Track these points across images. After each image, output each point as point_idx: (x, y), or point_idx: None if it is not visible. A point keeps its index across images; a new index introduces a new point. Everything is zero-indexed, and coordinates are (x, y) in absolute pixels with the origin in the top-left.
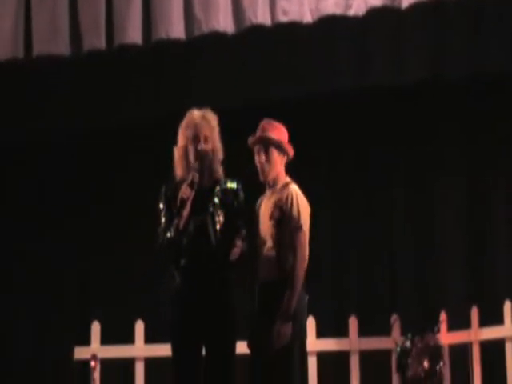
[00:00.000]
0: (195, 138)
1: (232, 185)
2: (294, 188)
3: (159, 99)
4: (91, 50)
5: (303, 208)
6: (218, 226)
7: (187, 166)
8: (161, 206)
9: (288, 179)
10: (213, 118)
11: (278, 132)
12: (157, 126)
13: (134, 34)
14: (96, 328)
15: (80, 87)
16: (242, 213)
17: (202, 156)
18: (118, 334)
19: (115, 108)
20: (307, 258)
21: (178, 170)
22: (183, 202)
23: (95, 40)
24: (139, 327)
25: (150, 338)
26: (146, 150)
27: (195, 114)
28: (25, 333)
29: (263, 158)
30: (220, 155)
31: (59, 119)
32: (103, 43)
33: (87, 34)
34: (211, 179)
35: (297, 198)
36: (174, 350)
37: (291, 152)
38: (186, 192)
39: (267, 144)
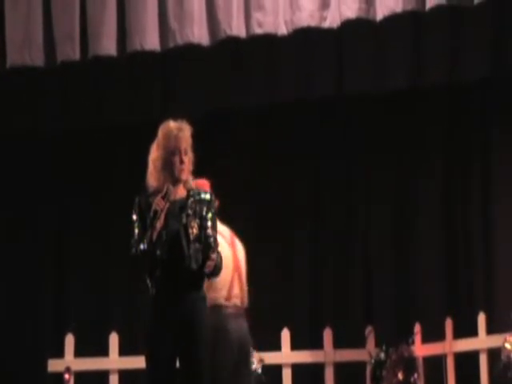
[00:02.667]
0: (175, 151)
1: (205, 196)
2: None
3: (133, 110)
4: (65, 61)
5: None
6: (191, 238)
7: (163, 178)
8: (134, 217)
9: None
10: (188, 130)
11: None
12: (131, 137)
13: (108, 45)
14: (70, 340)
15: (53, 97)
16: (215, 224)
17: (181, 168)
18: (92, 346)
19: (90, 118)
20: None
21: (153, 181)
22: (157, 213)
23: (69, 51)
24: (113, 339)
25: (124, 351)
26: (117, 162)
27: (172, 125)
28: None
29: None
30: (191, 166)
31: (32, 129)
32: (77, 54)
33: (61, 45)
34: (184, 190)
35: None
36: (147, 362)
37: None
38: (160, 204)
39: None
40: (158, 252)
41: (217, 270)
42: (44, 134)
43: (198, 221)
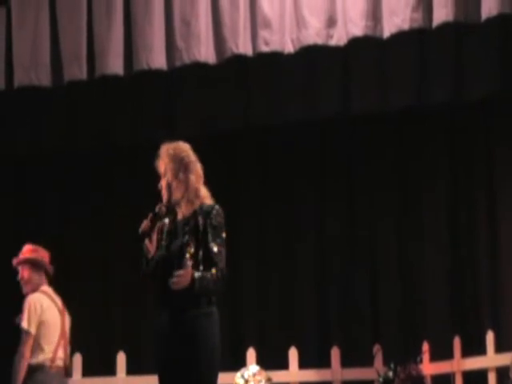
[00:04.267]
0: (161, 173)
1: (207, 209)
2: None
3: (141, 129)
4: (72, 81)
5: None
6: (188, 255)
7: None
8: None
9: None
10: (168, 150)
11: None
12: (137, 156)
13: (115, 65)
14: (78, 360)
15: (61, 117)
16: (218, 237)
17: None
18: (99, 365)
19: (96, 137)
20: None
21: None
22: (144, 235)
23: (76, 71)
24: (121, 359)
25: (131, 370)
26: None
27: (161, 147)
28: (5, 364)
29: None
30: (194, 185)
31: (39, 149)
32: (84, 74)
33: (68, 65)
34: (191, 208)
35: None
36: (158, 381)
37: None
38: (144, 226)
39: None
40: (155, 271)
41: (205, 285)
42: (49, 153)
43: (196, 236)
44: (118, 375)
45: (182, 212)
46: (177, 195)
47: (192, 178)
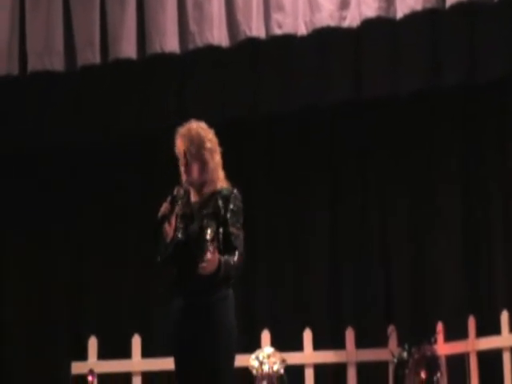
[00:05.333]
0: (181, 153)
1: (226, 193)
2: None
3: (153, 112)
4: (86, 65)
5: None
6: (208, 237)
7: (183, 180)
8: (159, 216)
9: None
10: (198, 129)
11: None
12: (150, 140)
13: (128, 49)
14: (93, 343)
15: (75, 102)
16: (237, 221)
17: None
18: (115, 348)
19: (110, 122)
20: None
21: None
22: (164, 218)
23: (90, 55)
24: (136, 342)
25: (147, 353)
26: (139, 164)
27: (184, 126)
28: (21, 348)
29: None
30: (216, 167)
31: (55, 134)
32: (98, 58)
33: (82, 50)
34: (210, 191)
35: None
36: (174, 365)
37: None
38: (163, 209)
39: None
40: (173, 254)
41: (228, 270)
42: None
43: (215, 220)
44: (134, 358)
45: (199, 194)
46: (198, 177)
47: (214, 160)
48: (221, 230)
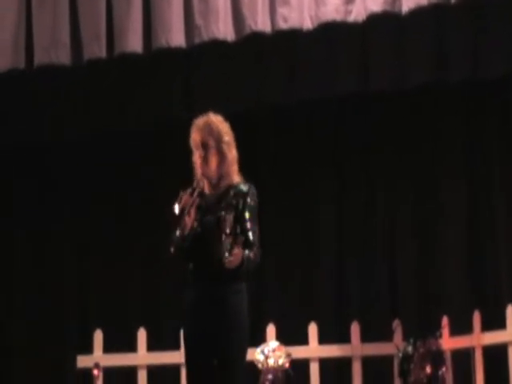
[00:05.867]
0: (197, 145)
1: (243, 188)
2: None
3: (159, 106)
4: (92, 59)
5: None
6: (227, 230)
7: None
8: (176, 210)
9: None
10: (215, 122)
11: None
12: (156, 134)
13: (134, 43)
14: (98, 336)
15: (81, 96)
16: (254, 217)
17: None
18: (120, 342)
19: (116, 116)
20: None
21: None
22: (183, 211)
23: (96, 49)
24: (142, 335)
25: (152, 346)
26: (146, 158)
27: (200, 118)
28: (26, 341)
29: None
30: (232, 161)
31: (61, 128)
32: (104, 52)
33: (88, 43)
34: (226, 184)
35: None
36: (185, 361)
37: None
38: (184, 201)
39: None
40: (190, 246)
41: (249, 265)
42: (69, 133)
43: (233, 214)
44: (139, 351)
45: (214, 187)
46: (215, 170)
47: (232, 154)
48: (238, 224)
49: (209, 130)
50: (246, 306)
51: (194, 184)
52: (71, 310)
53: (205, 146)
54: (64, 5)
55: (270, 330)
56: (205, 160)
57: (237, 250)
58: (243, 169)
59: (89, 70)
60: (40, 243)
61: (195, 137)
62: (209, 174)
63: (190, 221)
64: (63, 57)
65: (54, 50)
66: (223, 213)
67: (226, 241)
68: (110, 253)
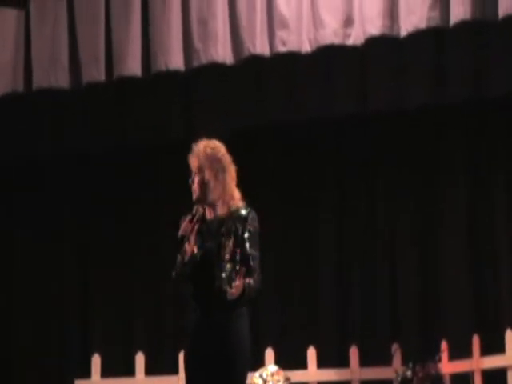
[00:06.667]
0: (192, 170)
1: (243, 212)
2: None
3: (158, 129)
4: (91, 82)
5: None
6: (227, 257)
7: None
8: (180, 235)
9: None
10: (208, 146)
11: None
12: (156, 157)
13: (133, 66)
14: (96, 361)
15: (80, 118)
16: (254, 242)
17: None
18: (118, 366)
19: (115, 138)
20: None
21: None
22: (183, 238)
23: (94, 72)
24: (140, 359)
25: (150, 371)
26: (146, 179)
27: (195, 144)
28: (25, 365)
29: None
30: (231, 186)
31: (61, 149)
32: (103, 75)
33: (87, 67)
34: (226, 209)
35: None
36: (186, 380)
37: None
38: (184, 228)
39: None
40: (190, 272)
41: (250, 293)
42: (69, 154)
43: (233, 240)
44: (137, 376)
45: (215, 212)
46: (214, 195)
47: (229, 179)
48: (238, 250)
49: (203, 155)
50: (248, 330)
51: (194, 210)
52: (70, 334)
53: (199, 171)
54: (63, 28)
55: (269, 353)
56: (200, 185)
57: (238, 282)
58: (244, 184)
59: (87, 93)
60: (43, 266)
61: (191, 162)
62: (205, 199)
63: (190, 247)
64: (62, 80)
65: (53, 73)
66: (223, 239)
67: (226, 267)
68: (111, 277)
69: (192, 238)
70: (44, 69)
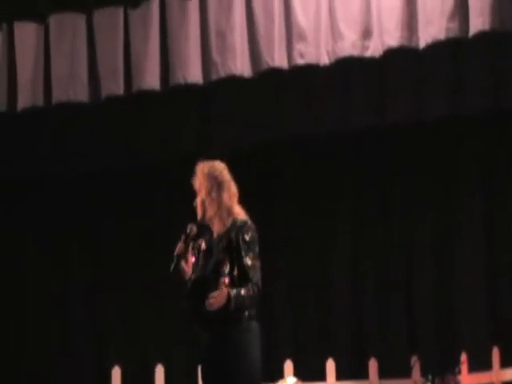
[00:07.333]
0: (196, 190)
1: (240, 224)
2: None
3: (177, 143)
4: (109, 96)
5: None
6: (226, 271)
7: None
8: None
9: None
10: (205, 168)
11: None
12: (174, 170)
13: (151, 80)
14: (117, 373)
15: (99, 132)
16: (252, 251)
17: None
18: (138, 378)
19: (134, 152)
20: None
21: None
22: (179, 257)
23: (113, 86)
24: (159, 372)
25: (170, 383)
26: (159, 194)
27: (197, 165)
28: (46, 380)
29: None
30: (227, 203)
31: (78, 164)
32: (121, 89)
33: (105, 81)
34: (224, 226)
35: None
36: None
37: None
38: (178, 248)
39: None
40: (191, 293)
41: (240, 302)
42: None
43: (230, 253)
44: None
45: (216, 230)
46: (210, 213)
47: (225, 196)
48: (236, 262)
49: (200, 175)
50: (256, 344)
51: (188, 229)
52: (90, 347)
53: (199, 191)
54: (82, 42)
55: (288, 365)
56: (202, 204)
57: (216, 293)
58: (262, 196)
59: (106, 107)
60: (56, 278)
61: (193, 182)
62: (208, 217)
63: (188, 267)
64: (81, 94)
65: (72, 87)
66: (221, 255)
67: (223, 283)
68: (128, 290)
69: (189, 258)
70: (63, 83)
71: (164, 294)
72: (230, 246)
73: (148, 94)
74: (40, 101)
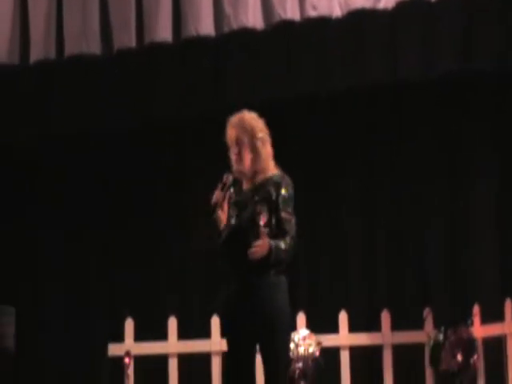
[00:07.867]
0: (229, 142)
1: (276, 179)
2: None
3: (189, 96)
4: (121, 49)
5: None
6: (262, 223)
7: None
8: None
9: None
10: (243, 118)
11: None
12: (187, 125)
13: (163, 32)
14: (130, 325)
15: (110, 86)
16: (288, 206)
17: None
18: (151, 330)
19: (146, 107)
20: None
21: None
22: (216, 206)
23: (125, 38)
24: (172, 323)
25: (183, 334)
26: (176, 151)
27: (234, 116)
28: (58, 331)
29: None
30: (267, 156)
31: (90, 119)
32: (133, 41)
33: (118, 33)
34: (261, 178)
35: None
36: (227, 352)
37: None
38: (216, 197)
39: None
40: (227, 240)
41: (279, 255)
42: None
43: (267, 206)
44: (170, 340)
45: (251, 182)
46: (249, 165)
47: (266, 150)
48: (272, 215)
49: (242, 126)
50: (286, 298)
51: (224, 178)
52: (103, 299)
53: (239, 142)
54: None
55: (300, 318)
56: (239, 156)
57: (260, 242)
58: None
59: (119, 60)
60: (71, 235)
61: (230, 134)
62: (243, 170)
63: (223, 215)
64: (93, 47)
65: (85, 40)
66: (258, 206)
67: (265, 233)
68: (142, 241)
69: (224, 206)
70: (75, 36)
71: (179, 246)
72: (268, 199)
73: (160, 47)
74: (52, 54)
